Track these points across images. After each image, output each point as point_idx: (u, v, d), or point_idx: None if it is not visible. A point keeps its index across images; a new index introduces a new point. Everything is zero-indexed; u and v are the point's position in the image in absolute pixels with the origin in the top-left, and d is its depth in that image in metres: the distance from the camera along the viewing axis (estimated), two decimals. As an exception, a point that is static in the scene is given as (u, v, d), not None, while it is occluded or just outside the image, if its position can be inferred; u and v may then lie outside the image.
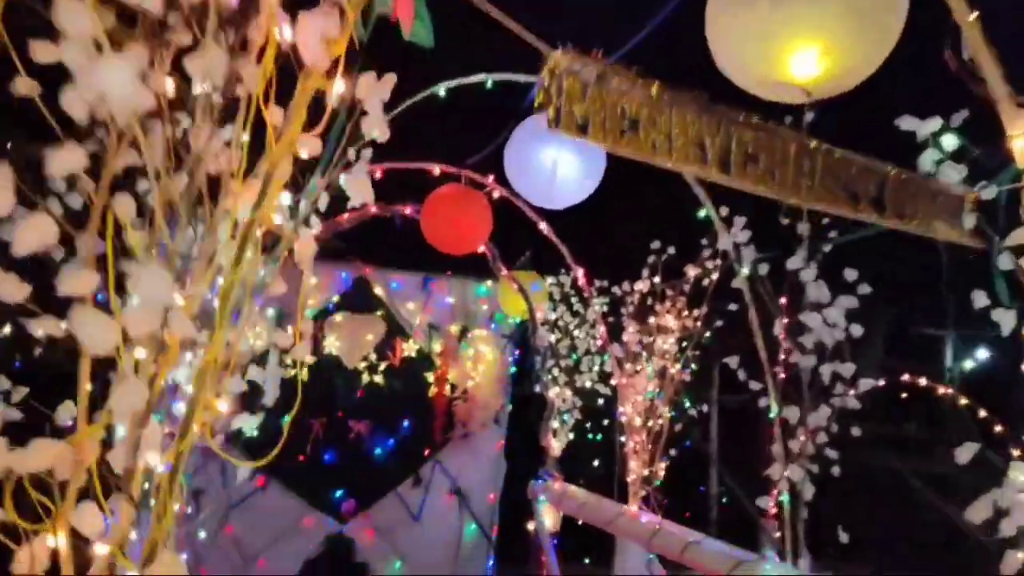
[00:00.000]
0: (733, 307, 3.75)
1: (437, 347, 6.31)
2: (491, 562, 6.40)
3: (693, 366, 4.25)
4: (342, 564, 5.95)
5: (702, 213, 3.25)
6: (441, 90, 3.17)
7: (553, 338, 5.46)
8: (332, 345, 5.98)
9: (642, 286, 4.12)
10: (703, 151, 1.70)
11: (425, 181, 4.23)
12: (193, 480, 5.53)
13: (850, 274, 2.89)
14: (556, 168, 2.79)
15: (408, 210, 4.90)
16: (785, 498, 3.13)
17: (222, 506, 5.63)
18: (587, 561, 5.47)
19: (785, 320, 3.02)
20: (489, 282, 6.46)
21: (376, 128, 1.58)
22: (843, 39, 1.58)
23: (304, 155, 1.38)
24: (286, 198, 2.48)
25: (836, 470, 3.02)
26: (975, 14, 1.94)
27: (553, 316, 5.44)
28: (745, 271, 3.04)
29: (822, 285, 2.84)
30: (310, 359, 5.88)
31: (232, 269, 1.47)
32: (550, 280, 5.54)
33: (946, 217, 2.17)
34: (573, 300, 5.24)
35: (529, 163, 2.82)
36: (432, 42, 1.53)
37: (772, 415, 3.18)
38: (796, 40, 1.54)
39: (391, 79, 1.65)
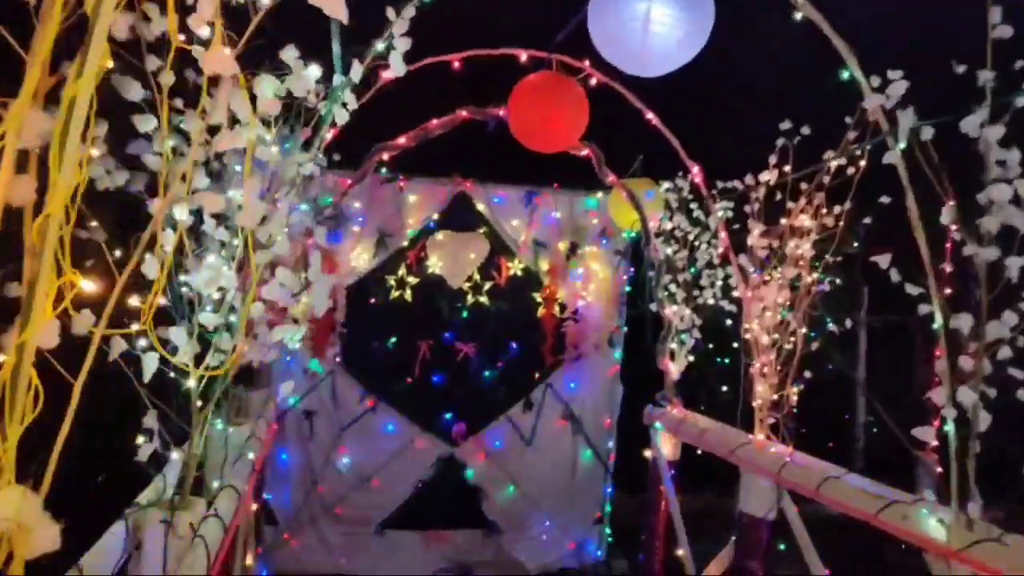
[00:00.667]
0: (886, 199, 3.03)
1: (544, 265, 5.91)
2: (608, 490, 6.10)
3: (834, 275, 3.57)
4: (454, 487, 5.86)
5: (845, 75, 2.56)
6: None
7: (670, 251, 4.88)
8: (435, 265, 5.74)
9: (769, 178, 3.43)
10: None
11: (513, 71, 3.73)
12: (304, 401, 5.59)
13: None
14: (648, 21, 2.23)
15: (501, 112, 4.43)
16: (951, 428, 2.49)
17: (334, 428, 5.65)
18: (708, 492, 5.00)
19: (953, 203, 2.31)
20: (599, 194, 5.93)
21: None
22: None
23: None
24: (315, 72, 2.11)
25: (1022, 393, 2.34)
26: None
27: (669, 226, 4.84)
28: (901, 144, 2.33)
29: (1013, 151, 2.10)
30: (413, 279, 5.70)
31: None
32: (665, 185, 4.91)
33: None
34: (692, 206, 4.61)
35: (616, 18, 2.27)
36: None
37: (936, 325, 2.52)
38: None
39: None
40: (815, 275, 3.59)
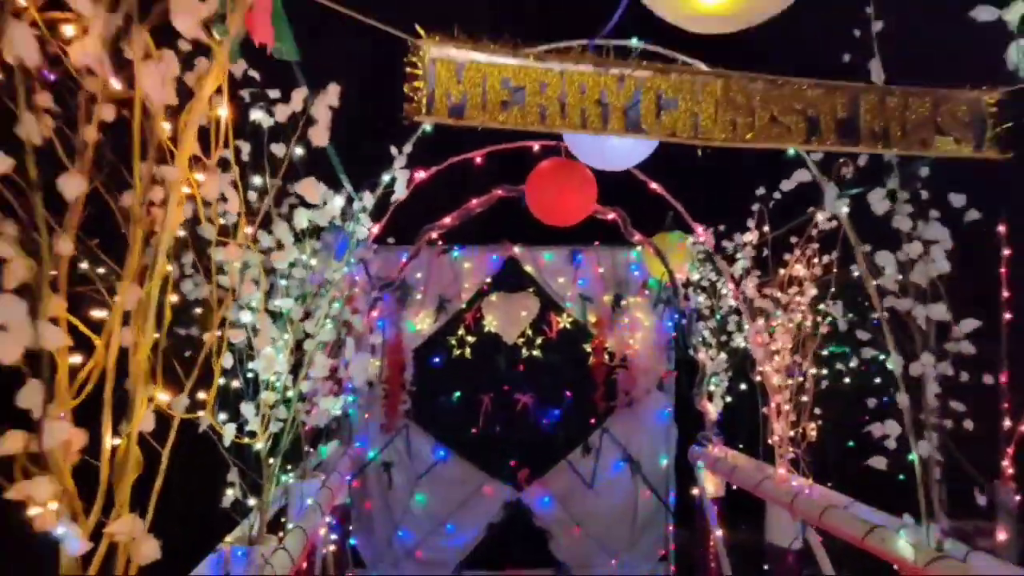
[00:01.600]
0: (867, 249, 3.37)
1: (592, 317, 6.38)
2: (671, 527, 6.36)
3: (830, 317, 3.88)
4: (523, 529, 6.30)
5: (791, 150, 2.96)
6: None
7: (702, 299, 5.25)
8: (491, 324, 6.31)
9: (751, 237, 3.81)
10: (602, 108, 1.60)
11: (528, 159, 4.33)
12: (382, 455, 6.23)
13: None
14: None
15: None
16: (913, 455, 2.79)
17: (410, 478, 6.24)
18: (743, 526, 5.22)
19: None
20: (639, 248, 6.37)
21: (319, 136, 1.74)
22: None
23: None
24: (338, 204, 2.75)
25: (968, 424, 2.63)
26: None
27: (696, 276, 5.22)
28: (822, 214, 2.70)
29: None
30: (471, 338, 6.30)
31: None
32: (691, 239, 5.32)
33: (954, 129, 1.76)
34: (716, 257, 4.99)
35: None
36: (297, 55, 1.64)
37: (891, 367, 2.84)
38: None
39: (335, 89, 1.80)
40: (818, 319, 3.91)
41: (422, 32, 1.55)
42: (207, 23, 1.35)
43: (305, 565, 4.10)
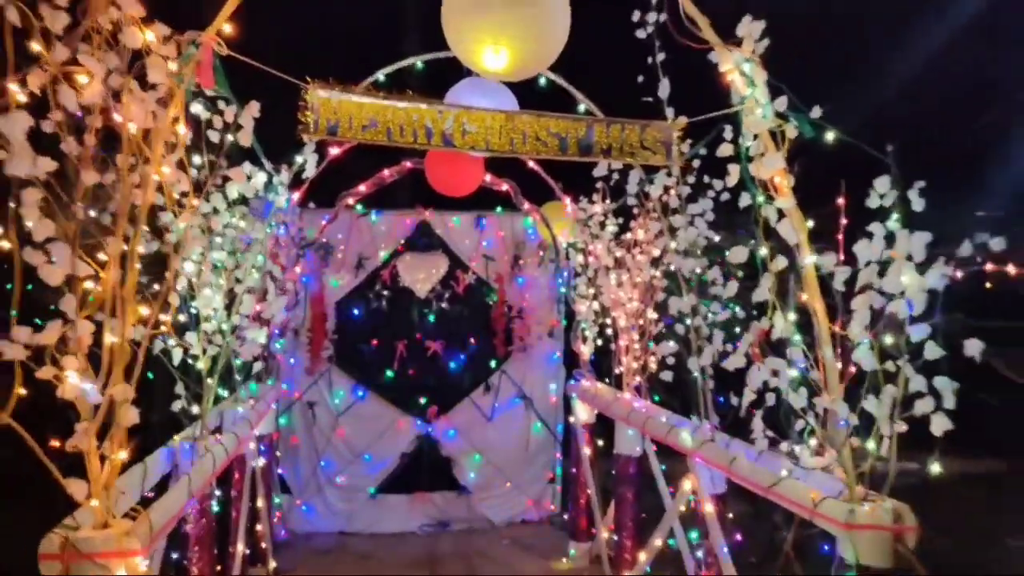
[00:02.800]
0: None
1: (493, 275, 7.31)
2: (557, 454, 7.46)
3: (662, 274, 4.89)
4: (431, 457, 7.28)
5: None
6: (380, 76, 4.06)
7: (580, 259, 6.23)
8: (405, 280, 7.18)
9: (599, 209, 4.79)
10: (427, 131, 2.49)
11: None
12: (307, 394, 7.07)
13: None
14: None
15: (434, 162, 5.86)
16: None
17: (332, 415, 7.11)
18: (600, 443, 6.30)
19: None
20: (535, 215, 7.31)
21: (246, 137, 2.55)
22: (517, 42, 2.27)
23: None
24: (261, 179, 3.56)
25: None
26: None
27: (573, 239, 6.20)
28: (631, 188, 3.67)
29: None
30: (388, 293, 7.15)
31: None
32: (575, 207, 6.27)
33: (654, 147, 2.74)
34: (578, 224, 5.97)
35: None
36: (228, 91, 2.46)
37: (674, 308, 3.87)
38: (479, 45, 2.25)
39: (254, 105, 2.61)
40: (646, 274, 4.91)
41: (310, 80, 2.38)
42: (170, 75, 2.15)
43: (238, 476, 4.96)
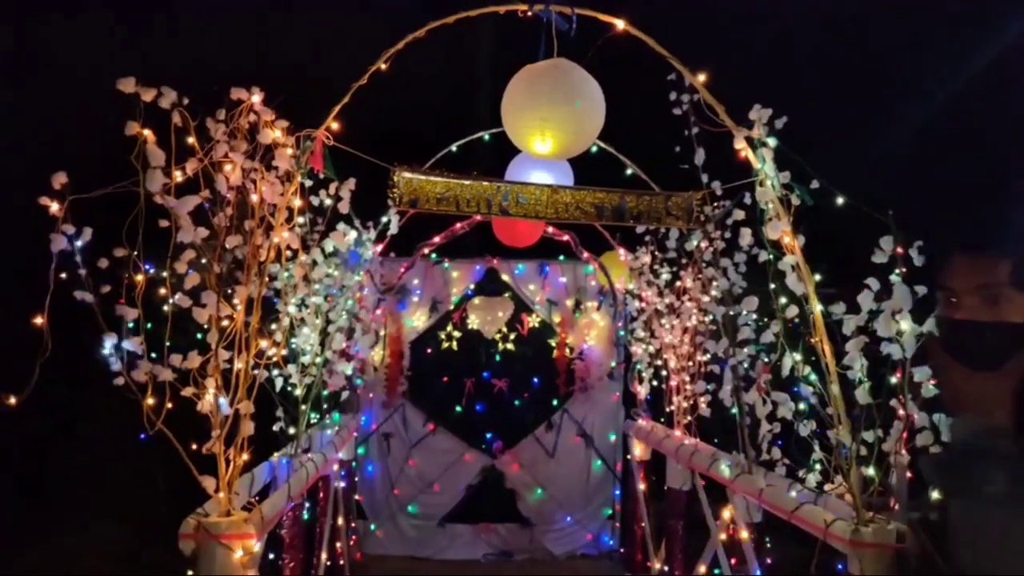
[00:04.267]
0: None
1: (556, 318, 7.82)
2: (617, 492, 7.78)
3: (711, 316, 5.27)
4: (496, 490, 7.74)
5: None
6: (454, 147, 4.70)
7: (636, 304, 6.67)
8: (473, 322, 7.77)
9: (647, 259, 5.23)
10: (488, 202, 3.04)
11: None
12: (383, 426, 7.69)
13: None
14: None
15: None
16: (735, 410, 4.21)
17: (405, 446, 7.70)
18: (653, 478, 6.60)
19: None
20: (594, 264, 7.81)
21: (344, 206, 3.20)
22: (559, 132, 2.81)
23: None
24: (353, 235, 4.22)
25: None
26: (702, 76, 3.07)
27: (631, 286, 6.65)
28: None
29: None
30: (458, 334, 7.76)
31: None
32: (628, 256, 6.75)
33: (677, 214, 3.19)
34: (633, 273, 6.43)
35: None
36: (335, 174, 3.09)
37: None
38: (530, 134, 2.80)
39: (351, 181, 3.25)
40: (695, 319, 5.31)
41: (397, 165, 3.00)
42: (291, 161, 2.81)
43: (323, 494, 5.57)
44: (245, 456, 2.92)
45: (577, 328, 7.83)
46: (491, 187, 3.05)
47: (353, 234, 4.08)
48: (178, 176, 2.75)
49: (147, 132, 2.55)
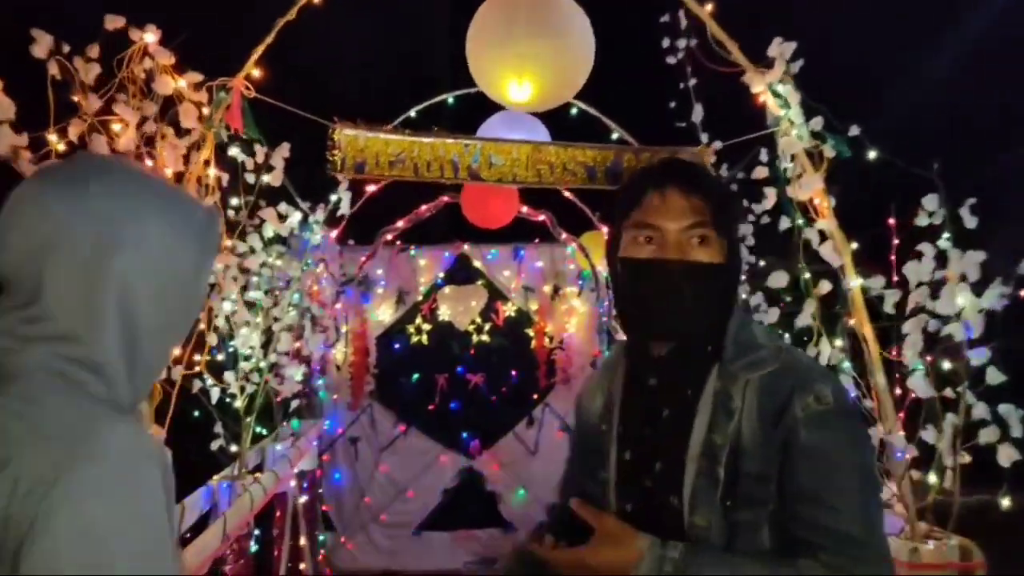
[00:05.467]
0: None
1: (533, 306, 7.25)
2: (604, 488, 7.27)
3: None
4: (475, 493, 7.18)
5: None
6: (412, 113, 4.09)
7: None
8: (444, 313, 7.18)
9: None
10: (454, 165, 2.47)
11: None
12: (349, 430, 7.07)
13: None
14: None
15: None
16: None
17: (375, 450, 7.09)
18: None
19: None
20: (574, 244, 7.25)
21: (276, 178, 2.58)
22: (541, 73, 2.24)
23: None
24: (295, 219, 3.60)
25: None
26: (709, 7, 2.51)
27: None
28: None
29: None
30: (428, 326, 7.16)
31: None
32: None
33: None
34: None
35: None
36: (258, 135, 2.49)
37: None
38: (503, 77, 2.23)
39: (285, 147, 2.65)
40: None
41: (337, 120, 2.40)
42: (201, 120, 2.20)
43: (279, 514, 4.96)
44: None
45: (556, 316, 7.28)
46: (457, 146, 2.46)
47: (296, 215, 3.47)
48: (57, 143, 2.12)
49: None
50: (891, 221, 2.69)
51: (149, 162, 2.10)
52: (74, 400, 0.95)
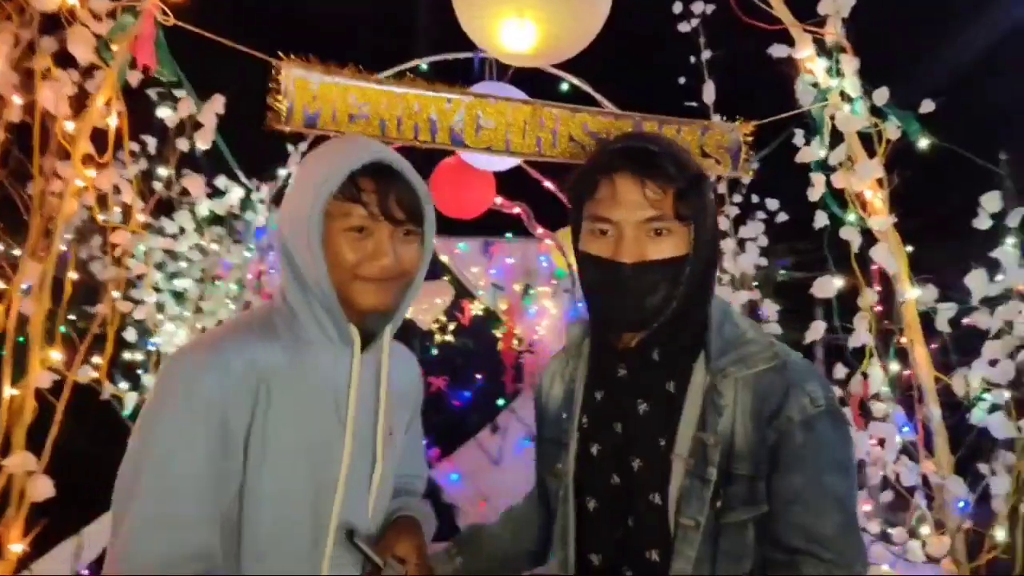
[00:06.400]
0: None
1: (502, 305, 6.76)
2: (571, 502, 6.83)
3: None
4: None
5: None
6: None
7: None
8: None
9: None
10: (431, 124, 1.98)
11: (434, 154, 4.64)
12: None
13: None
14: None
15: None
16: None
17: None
18: None
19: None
20: (548, 240, 6.78)
21: (205, 137, 2.04)
22: (547, 14, 1.77)
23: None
24: (236, 195, 3.04)
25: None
26: None
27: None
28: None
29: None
30: (387, 324, 6.61)
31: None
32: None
33: (717, 154, 2.22)
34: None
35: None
36: (176, 75, 1.96)
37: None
38: (501, 15, 1.76)
39: (220, 98, 2.11)
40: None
41: (283, 57, 1.88)
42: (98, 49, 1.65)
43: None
44: (18, 546, 1.75)
45: (526, 316, 6.80)
46: (437, 100, 1.93)
47: (237, 191, 2.92)
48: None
49: None
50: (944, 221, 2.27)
51: (17, 100, 1.54)
52: None
